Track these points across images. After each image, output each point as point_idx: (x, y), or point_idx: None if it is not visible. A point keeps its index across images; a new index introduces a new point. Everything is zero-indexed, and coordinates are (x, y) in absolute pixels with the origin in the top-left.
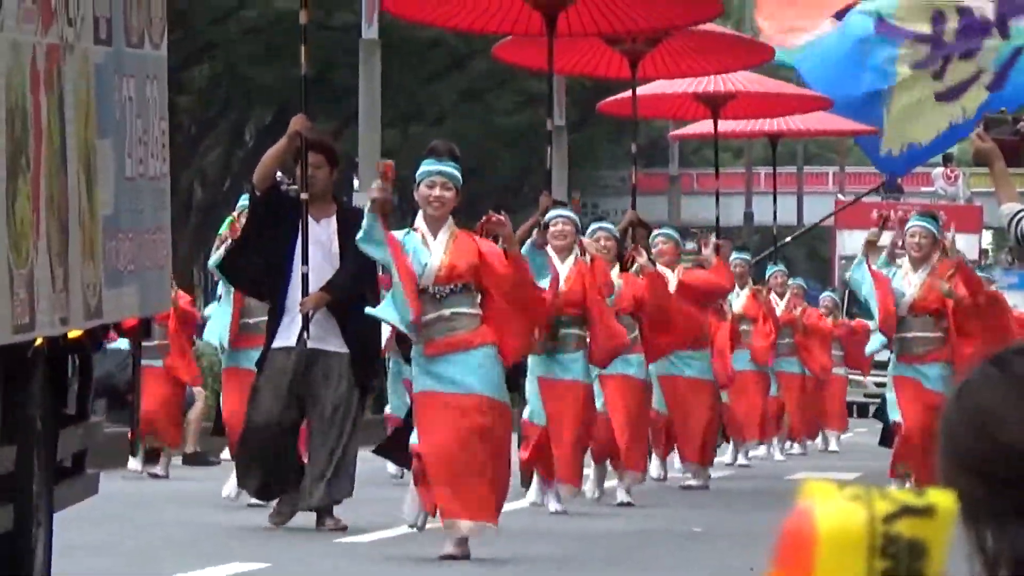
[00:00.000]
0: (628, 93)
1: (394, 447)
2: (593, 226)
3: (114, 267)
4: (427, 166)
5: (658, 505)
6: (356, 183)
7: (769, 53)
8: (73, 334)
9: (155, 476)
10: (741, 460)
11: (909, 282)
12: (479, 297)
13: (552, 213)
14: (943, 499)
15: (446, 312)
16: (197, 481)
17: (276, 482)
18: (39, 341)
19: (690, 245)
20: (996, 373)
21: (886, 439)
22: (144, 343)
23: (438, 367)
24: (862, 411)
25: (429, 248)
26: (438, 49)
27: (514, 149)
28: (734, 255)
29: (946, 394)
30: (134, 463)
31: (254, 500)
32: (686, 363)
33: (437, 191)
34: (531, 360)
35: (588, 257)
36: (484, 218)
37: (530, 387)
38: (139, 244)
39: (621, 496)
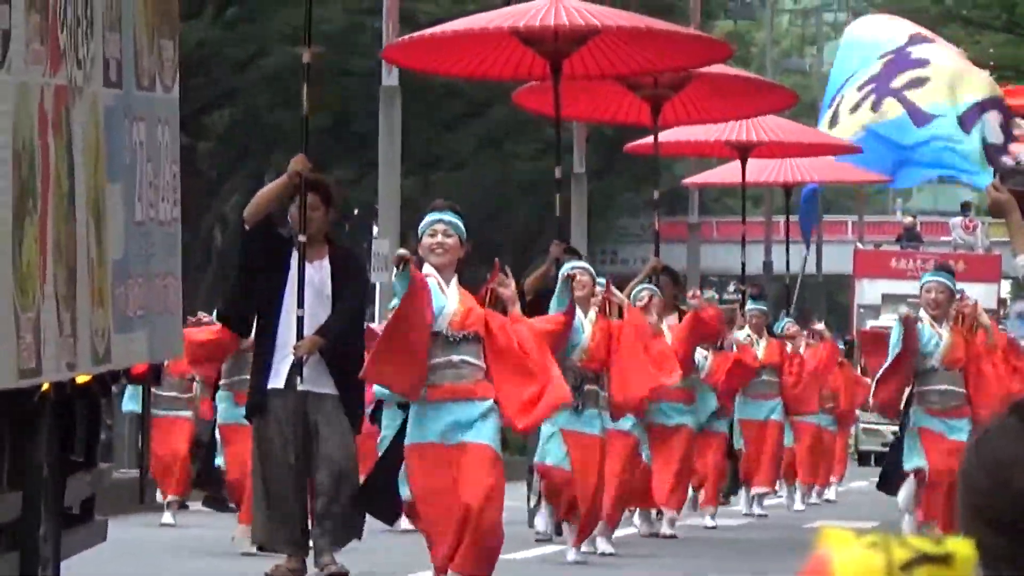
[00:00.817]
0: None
1: (377, 502)
2: (573, 264)
3: (123, 312)
4: (429, 217)
5: (673, 554)
6: (375, 230)
7: (792, 98)
8: (81, 379)
9: (166, 526)
10: (757, 510)
11: (939, 335)
12: (483, 351)
13: (569, 265)
14: (961, 547)
15: (456, 358)
16: (209, 528)
17: (277, 531)
18: (46, 386)
19: (708, 294)
20: (1015, 423)
21: (885, 484)
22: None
23: (438, 416)
24: (879, 460)
25: (445, 293)
26: (457, 97)
27: (532, 196)
28: (750, 304)
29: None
30: (168, 516)
31: (249, 548)
32: (678, 411)
33: (439, 238)
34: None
35: (613, 308)
36: (490, 276)
37: (547, 432)
38: (149, 289)
39: (603, 547)
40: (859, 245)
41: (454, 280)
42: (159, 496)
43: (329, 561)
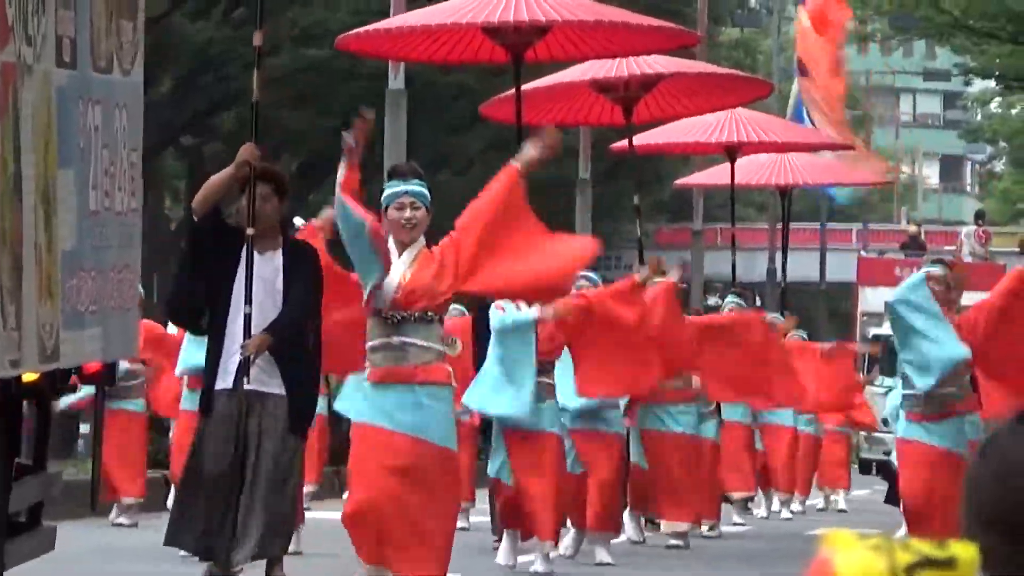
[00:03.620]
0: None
1: None
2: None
3: (74, 307)
4: (392, 188)
5: (673, 563)
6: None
7: (766, 88)
8: (28, 378)
9: (119, 525)
10: (783, 511)
11: None
12: (439, 331)
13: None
14: (964, 551)
15: (395, 340)
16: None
17: (217, 539)
18: None
19: (712, 300)
20: (1022, 429)
21: (892, 496)
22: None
23: (377, 398)
24: (880, 469)
25: (392, 270)
26: (463, 99)
27: (540, 199)
28: (729, 299)
29: (953, 448)
30: (124, 518)
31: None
32: (673, 418)
33: (407, 212)
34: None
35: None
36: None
37: (495, 439)
38: (103, 283)
39: (601, 556)
40: (863, 253)
41: (409, 251)
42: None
43: (277, 571)
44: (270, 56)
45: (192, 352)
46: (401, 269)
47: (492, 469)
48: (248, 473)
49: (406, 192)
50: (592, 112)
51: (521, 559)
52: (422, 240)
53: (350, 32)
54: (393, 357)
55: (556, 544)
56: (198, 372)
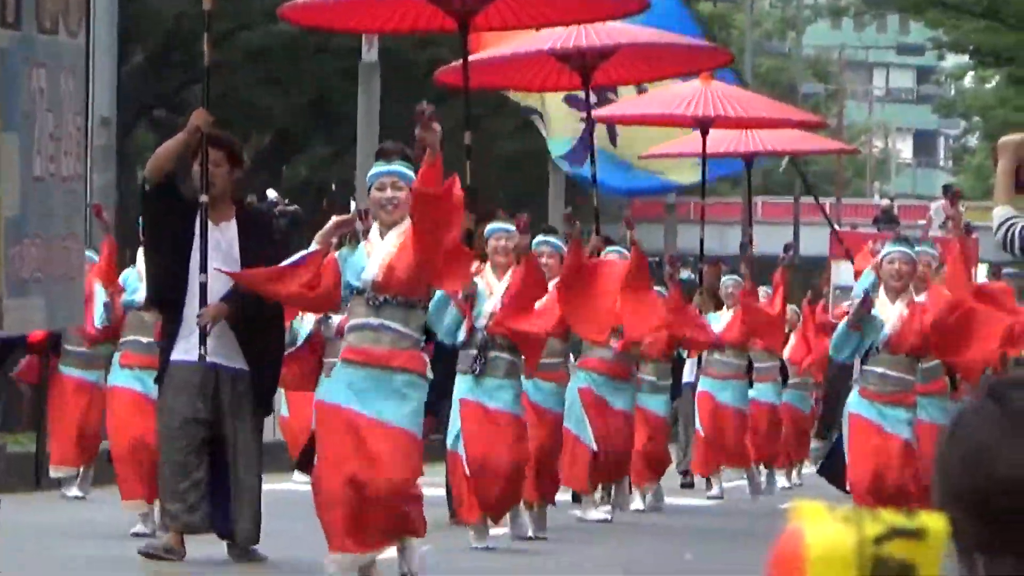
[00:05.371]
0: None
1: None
2: (539, 238)
3: (18, 275)
4: (376, 168)
5: (647, 534)
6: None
7: (726, 57)
8: None
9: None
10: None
11: (887, 316)
12: (420, 318)
13: (492, 226)
14: (934, 522)
15: (374, 321)
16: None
17: (173, 503)
18: None
19: (685, 274)
20: (993, 407)
21: (828, 471)
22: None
23: (348, 378)
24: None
25: (373, 252)
26: None
27: (515, 173)
28: (725, 278)
29: (904, 438)
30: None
31: (139, 529)
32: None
33: (388, 192)
34: (458, 381)
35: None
36: (419, 121)
37: (454, 412)
38: (48, 251)
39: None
40: (836, 227)
41: (393, 233)
42: (57, 471)
43: (241, 553)
44: (243, 32)
45: (133, 287)
46: (384, 251)
47: (450, 441)
48: (228, 451)
49: (388, 172)
50: (549, 79)
51: (492, 531)
52: (407, 222)
53: (293, 2)
54: (371, 338)
55: (497, 523)
56: (135, 348)
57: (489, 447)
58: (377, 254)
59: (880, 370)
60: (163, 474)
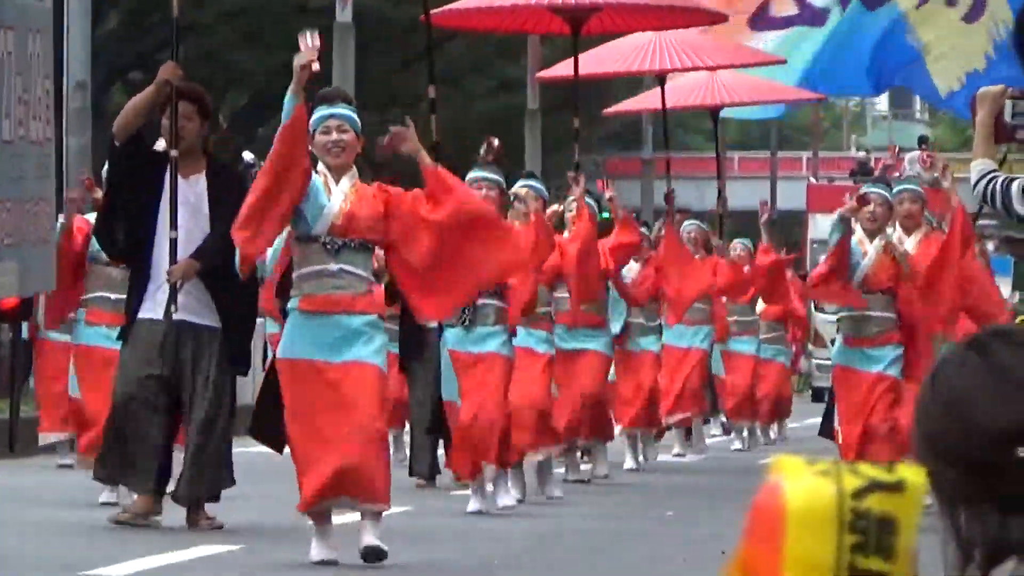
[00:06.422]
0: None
1: (266, 429)
2: (520, 183)
3: None
4: (319, 112)
5: (628, 491)
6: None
7: (720, 17)
8: None
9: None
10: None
11: (864, 253)
12: (372, 261)
13: (472, 174)
14: (913, 475)
15: (333, 267)
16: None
17: (129, 466)
18: None
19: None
20: (974, 357)
21: (826, 429)
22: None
23: (312, 330)
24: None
25: (330, 193)
26: (413, 34)
27: (491, 133)
28: (687, 223)
29: (896, 377)
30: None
31: (106, 498)
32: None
33: (334, 135)
34: (445, 333)
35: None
36: (386, 139)
37: (444, 364)
38: (19, 215)
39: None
40: (812, 180)
41: (346, 179)
42: (47, 438)
43: (201, 516)
44: None
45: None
46: (341, 195)
47: (445, 393)
48: (185, 412)
49: (332, 115)
50: (540, 23)
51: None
52: (355, 169)
53: (444, 8)
54: (331, 285)
55: (504, 469)
56: (103, 304)
57: (486, 396)
58: (335, 200)
59: (858, 313)
60: (114, 434)
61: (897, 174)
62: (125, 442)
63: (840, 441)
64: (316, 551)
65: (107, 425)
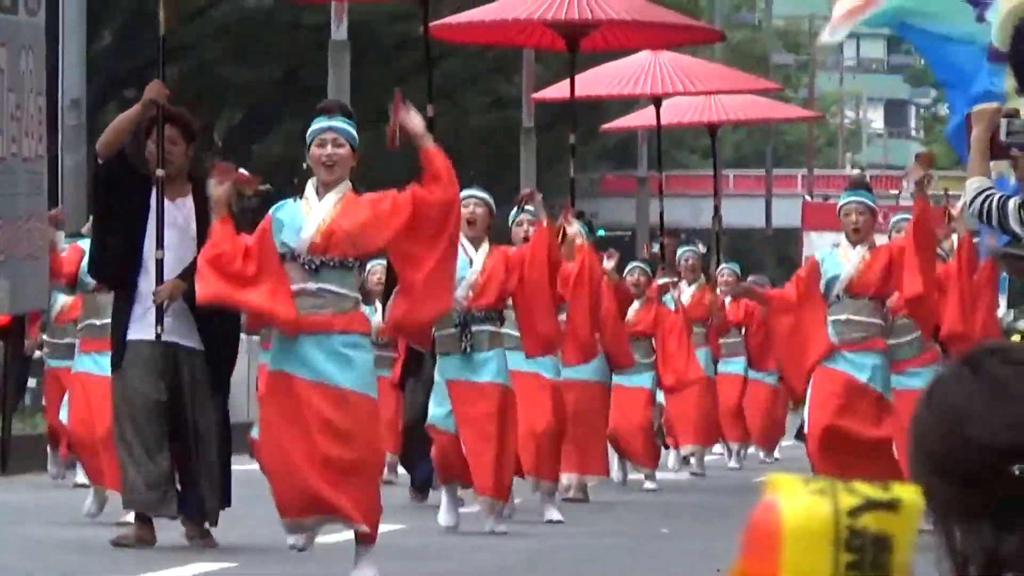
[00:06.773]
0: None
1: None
2: (464, 192)
3: None
4: (316, 124)
5: (623, 509)
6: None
7: (716, 35)
8: None
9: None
10: (690, 469)
11: (847, 258)
12: (355, 279)
13: (464, 192)
14: (908, 493)
15: (312, 286)
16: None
17: (154, 492)
18: None
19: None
20: (968, 373)
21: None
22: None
23: (292, 347)
24: None
25: (310, 212)
26: (407, 50)
27: (485, 148)
28: (683, 249)
29: (875, 387)
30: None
31: (90, 507)
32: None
33: (328, 148)
34: (439, 361)
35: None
36: (393, 110)
37: (436, 390)
38: (11, 233)
39: (550, 514)
40: (807, 198)
41: (332, 193)
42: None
43: (198, 533)
44: (211, 8)
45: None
46: (321, 212)
47: (431, 418)
48: (178, 435)
49: (329, 128)
50: (537, 38)
51: (463, 510)
52: (347, 184)
53: (444, 21)
54: (310, 304)
55: (506, 501)
56: (92, 332)
57: (486, 423)
58: (315, 216)
59: (844, 316)
60: (129, 458)
61: (895, 191)
62: (144, 471)
63: (806, 431)
64: (291, 539)
65: (121, 451)
